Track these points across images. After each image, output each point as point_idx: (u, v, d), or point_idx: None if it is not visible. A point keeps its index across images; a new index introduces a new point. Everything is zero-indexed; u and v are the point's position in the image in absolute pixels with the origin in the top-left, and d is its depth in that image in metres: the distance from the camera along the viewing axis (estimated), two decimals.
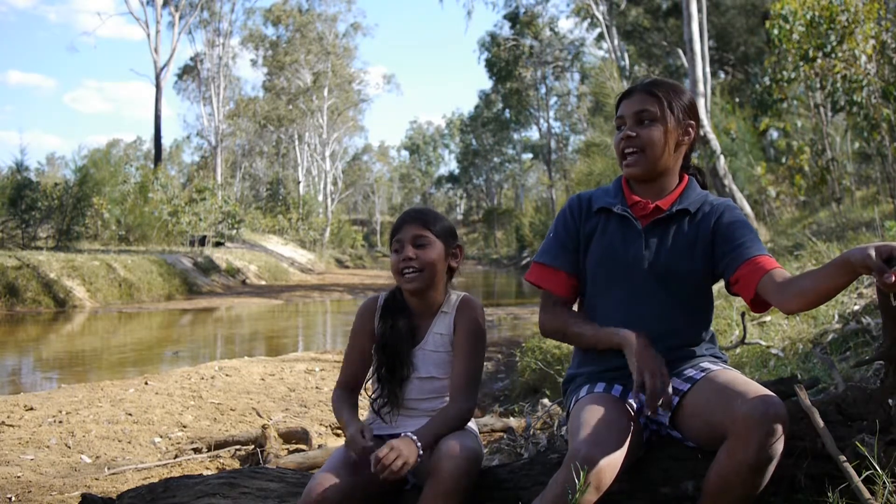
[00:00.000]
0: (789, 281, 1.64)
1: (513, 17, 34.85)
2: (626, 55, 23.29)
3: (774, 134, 14.94)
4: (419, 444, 1.77)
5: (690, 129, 1.90)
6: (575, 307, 2.01)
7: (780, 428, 1.53)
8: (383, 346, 1.98)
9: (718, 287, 2.00)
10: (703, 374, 1.76)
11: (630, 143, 1.86)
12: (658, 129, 1.84)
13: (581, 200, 1.97)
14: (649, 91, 1.87)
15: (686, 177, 1.94)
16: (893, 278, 1.36)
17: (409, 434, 1.79)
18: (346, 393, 2.02)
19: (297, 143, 41.01)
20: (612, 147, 1.96)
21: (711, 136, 11.14)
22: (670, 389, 1.68)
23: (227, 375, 6.23)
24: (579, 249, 1.93)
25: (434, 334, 1.99)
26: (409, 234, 1.96)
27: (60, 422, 4.56)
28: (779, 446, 1.54)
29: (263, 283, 21.19)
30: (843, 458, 1.65)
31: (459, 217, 61.61)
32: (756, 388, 1.59)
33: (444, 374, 1.97)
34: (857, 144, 10.19)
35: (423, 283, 1.96)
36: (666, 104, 1.85)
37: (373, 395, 2.01)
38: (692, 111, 1.91)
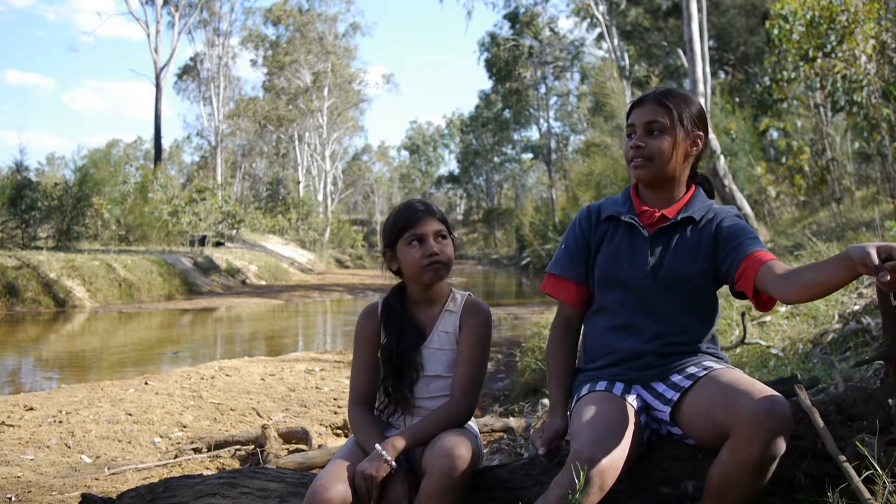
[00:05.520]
0: (791, 273, 1.65)
1: (512, 17, 34.84)
2: (626, 55, 23.26)
3: (774, 134, 14.93)
4: (384, 454, 1.79)
5: (699, 140, 1.93)
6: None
7: (784, 427, 1.54)
8: (391, 352, 1.97)
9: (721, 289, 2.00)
10: (705, 371, 1.77)
11: (639, 153, 1.89)
12: (667, 141, 1.87)
13: (590, 211, 2.02)
14: (661, 102, 1.89)
15: (694, 186, 1.98)
16: (889, 276, 1.37)
17: (377, 447, 1.82)
18: (362, 409, 1.99)
19: (297, 143, 41.00)
20: (616, 149, 1.99)
21: (711, 136, 11.14)
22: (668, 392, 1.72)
23: (227, 375, 6.23)
24: (589, 260, 1.97)
25: (440, 332, 1.99)
26: (432, 229, 1.95)
27: (60, 422, 4.56)
28: (782, 445, 1.54)
29: (263, 283, 21.19)
30: (843, 458, 1.65)
31: (459, 217, 61.58)
32: (761, 388, 1.60)
33: (450, 372, 1.97)
34: (857, 144, 10.19)
35: (444, 277, 1.98)
36: (676, 115, 1.88)
37: (380, 401, 2.01)
38: (701, 121, 1.93)
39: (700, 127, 1.93)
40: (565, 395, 1.94)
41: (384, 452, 1.80)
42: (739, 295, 1.83)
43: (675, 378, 1.81)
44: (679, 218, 1.90)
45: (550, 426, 1.88)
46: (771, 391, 1.58)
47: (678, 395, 1.77)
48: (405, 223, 1.97)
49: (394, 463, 1.80)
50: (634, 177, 1.94)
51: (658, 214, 1.91)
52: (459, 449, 1.75)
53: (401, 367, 1.96)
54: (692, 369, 1.81)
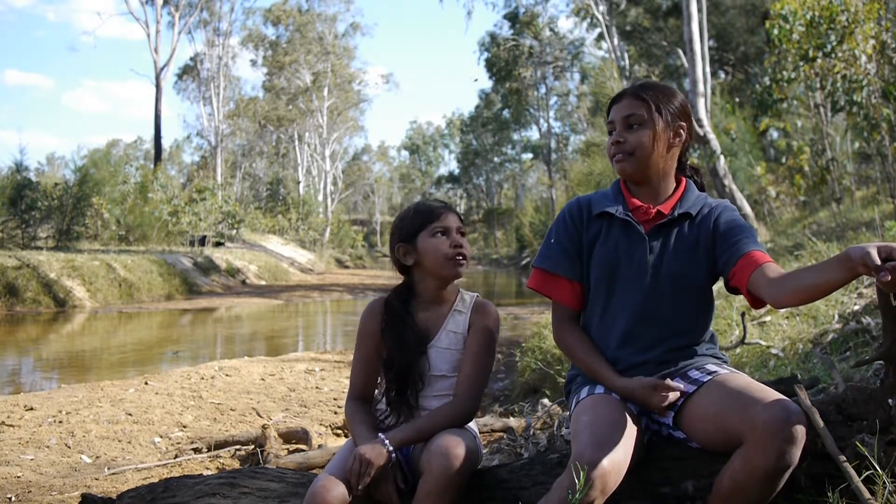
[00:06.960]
0: (786, 276, 1.63)
1: (512, 17, 34.83)
2: (626, 55, 23.25)
3: (774, 134, 14.94)
4: (386, 442, 1.80)
5: (681, 131, 1.88)
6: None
7: (800, 435, 1.51)
8: (391, 364, 1.96)
9: (718, 287, 2.00)
10: (709, 376, 1.75)
11: (619, 149, 1.86)
12: (646, 133, 1.84)
13: (581, 205, 1.95)
14: (637, 95, 1.87)
15: (684, 180, 1.94)
16: (889, 277, 1.37)
17: (380, 435, 1.83)
18: (359, 404, 1.99)
19: (296, 143, 41.00)
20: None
21: (711, 136, 11.14)
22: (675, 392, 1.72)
23: (227, 375, 6.23)
24: (581, 255, 1.91)
25: (448, 332, 1.98)
26: (455, 223, 1.99)
27: (60, 422, 4.56)
28: (796, 455, 1.52)
29: (263, 283, 21.19)
30: (843, 458, 1.65)
31: None
32: (773, 394, 1.58)
33: (454, 372, 1.97)
34: (857, 144, 10.20)
35: (461, 274, 1.99)
36: (654, 107, 1.85)
37: (383, 408, 2.00)
38: (683, 112, 1.90)
39: (682, 118, 1.89)
40: (606, 362, 1.84)
41: (386, 441, 1.81)
42: (733, 290, 1.82)
43: (677, 382, 1.79)
44: (676, 214, 1.86)
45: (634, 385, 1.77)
46: (785, 398, 1.56)
47: (682, 399, 1.75)
48: (428, 216, 1.98)
49: (394, 453, 1.80)
50: (618, 173, 1.90)
51: (654, 211, 1.86)
52: (457, 448, 1.74)
53: (404, 378, 1.94)
54: (695, 374, 1.79)
